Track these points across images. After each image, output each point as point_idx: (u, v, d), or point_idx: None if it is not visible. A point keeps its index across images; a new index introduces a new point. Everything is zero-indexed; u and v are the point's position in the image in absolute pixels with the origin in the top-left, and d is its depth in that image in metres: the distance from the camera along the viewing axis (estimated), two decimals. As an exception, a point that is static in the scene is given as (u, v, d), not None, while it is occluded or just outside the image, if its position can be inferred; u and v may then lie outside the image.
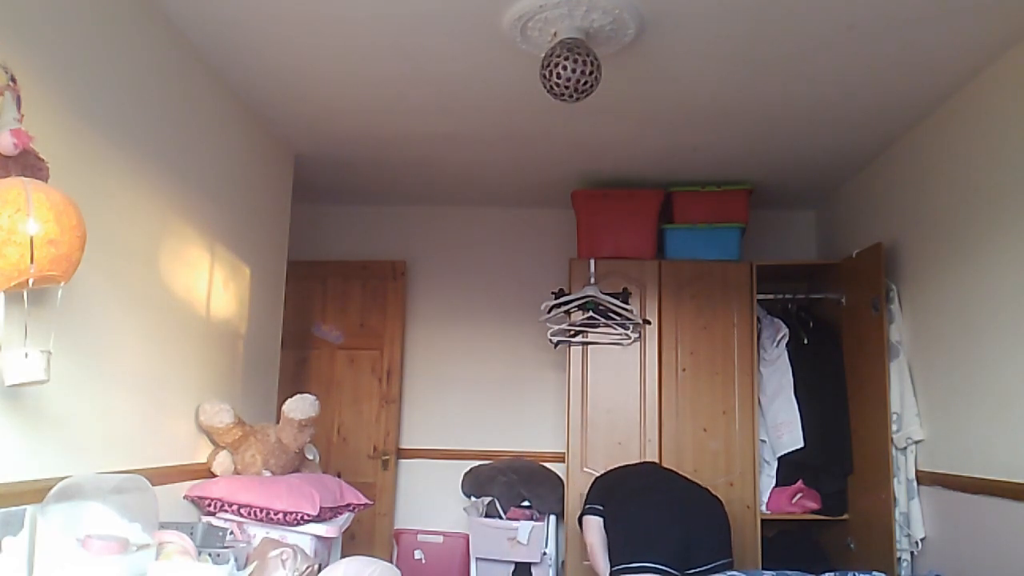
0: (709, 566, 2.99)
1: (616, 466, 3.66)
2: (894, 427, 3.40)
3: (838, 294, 3.98)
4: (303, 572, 2.34)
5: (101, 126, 2.27)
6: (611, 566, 3.10)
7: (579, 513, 3.43)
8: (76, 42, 2.16)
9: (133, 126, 2.45)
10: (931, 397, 3.30)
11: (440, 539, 4.56)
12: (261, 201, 3.58)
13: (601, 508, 3.28)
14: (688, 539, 3.03)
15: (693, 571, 2.99)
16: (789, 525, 4.09)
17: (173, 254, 2.74)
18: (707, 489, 3.40)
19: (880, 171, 3.86)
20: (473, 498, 4.29)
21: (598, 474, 3.61)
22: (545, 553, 4.12)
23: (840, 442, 3.81)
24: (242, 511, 2.77)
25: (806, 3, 2.46)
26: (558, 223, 4.82)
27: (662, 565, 2.96)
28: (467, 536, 4.33)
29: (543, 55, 2.55)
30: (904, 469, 3.38)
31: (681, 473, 3.66)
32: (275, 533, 2.74)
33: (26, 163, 1.80)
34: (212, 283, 3.07)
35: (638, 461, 3.88)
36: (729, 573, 2.73)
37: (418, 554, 4.53)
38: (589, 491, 3.45)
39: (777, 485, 3.97)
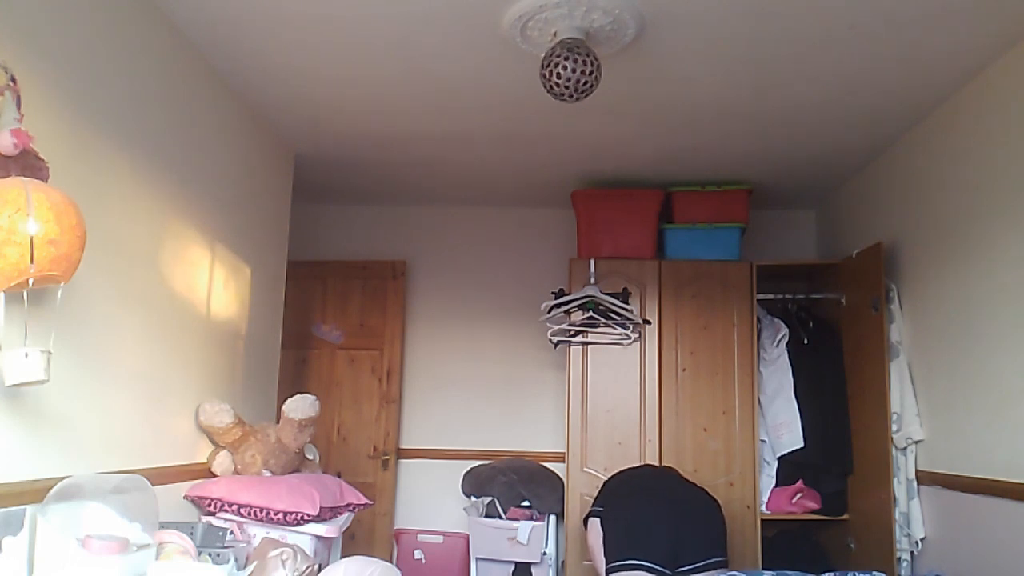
0: (698, 564, 3.02)
1: (622, 468, 3.69)
2: (894, 427, 3.40)
3: (838, 294, 3.98)
4: (303, 572, 2.34)
5: (101, 126, 2.27)
6: (605, 563, 3.13)
7: (584, 515, 3.46)
8: (76, 42, 2.16)
9: (133, 126, 2.45)
10: (931, 397, 3.30)
11: (440, 539, 4.56)
12: (261, 201, 3.58)
13: (601, 510, 3.31)
14: (677, 538, 3.07)
15: (683, 569, 3.02)
16: (789, 525, 4.09)
17: (173, 254, 2.74)
18: (704, 490, 3.42)
19: (880, 171, 3.86)
20: (473, 498, 4.29)
21: (604, 480, 3.64)
22: (545, 553, 4.12)
23: (840, 442, 3.81)
24: (242, 511, 2.77)
25: (806, 3, 2.46)
26: (558, 223, 4.82)
27: (650, 563, 2.99)
28: (467, 536, 4.33)
29: (543, 55, 2.55)
30: (904, 469, 3.38)
31: (681, 474, 3.68)
32: (275, 533, 2.74)
33: (26, 163, 1.80)
34: (212, 283, 3.07)
35: (642, 463, 3.90)
36: (730, 573, 2.75)
37: (418, 554, 4.53)
38: (596, 494, 3.49)
39: (777, 485, 3.97)
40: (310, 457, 3.38)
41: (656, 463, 3.92)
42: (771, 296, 4.17)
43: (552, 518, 4.21)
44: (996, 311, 2.82)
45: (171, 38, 2.70)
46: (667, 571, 3.01)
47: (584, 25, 2.53)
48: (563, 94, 2.53)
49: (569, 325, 4.10)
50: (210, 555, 2.28)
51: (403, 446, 4.79)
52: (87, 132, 2.20)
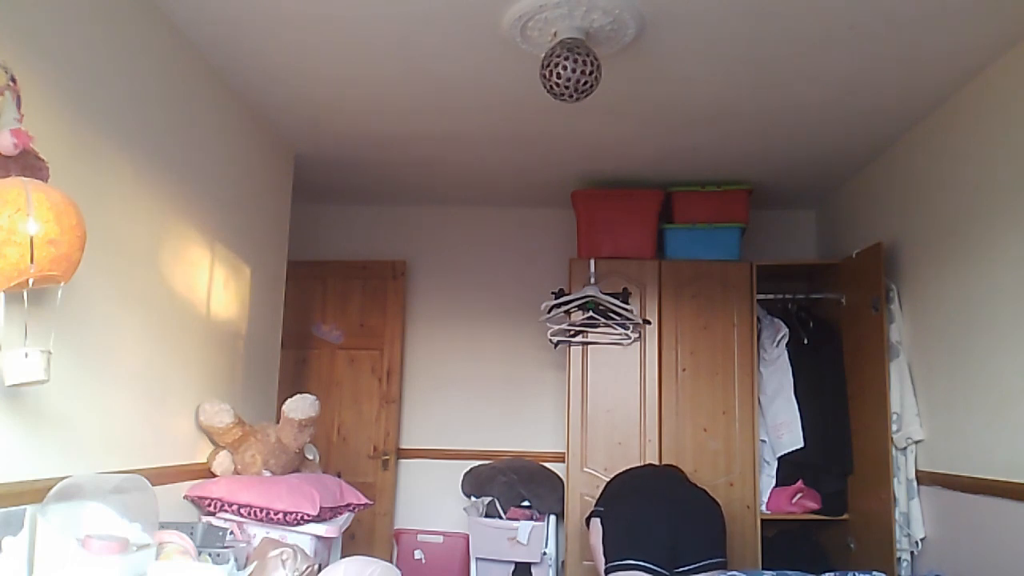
0: (696, 564, 3.02)
1: (625, 468, 3.69)
2: (894, 427, 3.40)
3: (838, 294, 3.98)
4: (303, 572, 2.34)
5: (101, 126, 2.27)
6: (604, 563, 3.14)
7: (586, 515, 3.46)
8: (76, 42, 2.16)
9: (133, 126, 2.45)
10: (931, 397, 3.30)
11: (440, 539, 4.56)
12: (261, 201, 3.58)
13: (602, 510, 3.32)
14: (674, 538, 3.07)
15: (682, 569, 3.03)
16: (789, 525, 4.09)
17: (173, 254, 2.74)
18: (704, 490, 3.42)
19: (880, 171, 3.86)
20: (473, 498, 4.29)
21: (604, 480, 3.65)
22: (545, 553, 4.12)
23: (840, 442, 3.81)
24: (242, 511, 2.77)
25: (806, 3, 2.46)
26: (558, 223, 4.82)
27: (647, 563, 3.00)
28: (467, 536, 4.33)
29: (543, 55, 2.55)
30: (904, 469, 3.38)
31: (683, 473, 3.68)
32: (275, 533, 2.74)
33: (26, 163, 1.80)
34: (212, 283, 3.07)
35: (645, 463, 3.90)
36: (730, 573, 2.75)
37: (418, 554, 4.53)
38: (599, 494, 3.49)
39: (777, 485, 3.97)
40: (310, 457, 3.38)
41: (658, 463, 3.92)
42: (771, 296, 4.17)
43: (552, 518, 4.21)
44: (996, 311, 2.82)
45: (171, 38, 2.70)
46: (665, 571, 3.01)
47: (584, 25, 2.53)
48: (563, 94, 2.53)
49: (569, 325, 4.10)
50: (210, 555, 2.28)
51: (403, 446, 4.79)
52: (87, 132, 2.20)
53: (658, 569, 3.00)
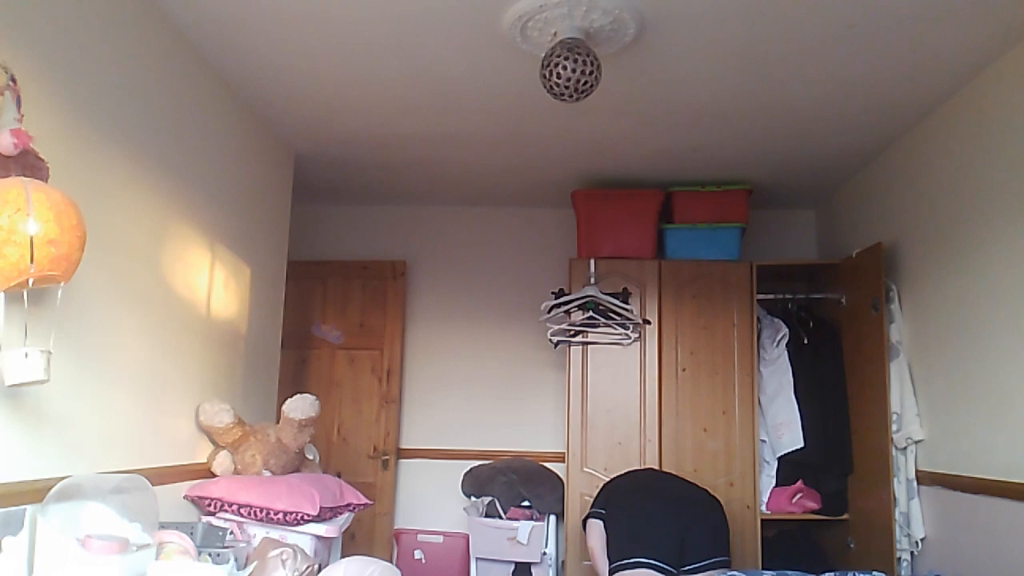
0: (703, 563, 3.02)
1: (621, 472, 3.69)
2: (894, 427, 3.40)
3: (838, 294, 3.98)
4: (303, 572, 2.34)
5: (101, 126, 2.27)
6: (609, 563, 3.13)
7: (583, 517, 3.45)
8: (76, 42, 2.16)
9: (133, 126, 2.45)
10: (931, 397, 3.30)
11: (440, 539, 4.56)
12: (261, 201, 3.58)
13: (603, 512, 3.31)
14: (682, 537, 3.06)
15: (688, 568, 3.03)
16: (789, 525, 4.09)
17: (173, 254, 2.74)
18: (706, 490, 3.42)
19: (880, 171, 3.86)
20: (473, 498, 4.29)
21: (604, 480, 3.63)
22: (545, 553, 4.12)
23: (840, 442, 3.81)
24: (242, 511, 2.77)
25: (806, 3, 2.47)
26: (558, 223, 4.82)
27: (656, 561, 2.99)
28: (467, 536, 4.33)
29: (543, 55, 2.55)
30: (904, 469, 3.38)
31: (682, 476, 3.68)
32: (275, 533, 2.74)
33: (26, 163, 1.80)
34: (212, 283, 3.07)
35: (641, 467, 3.90)
36: (730, 573, 2.74)
37: (418, 554, 4.53)
38: (595, 497, 3.48)
39: (777, 485, 3.97)
40: (310, 457, 3.38)
41: (656, 465, 3.93)
42: (771, 296, 4.17)
43: (552, 518, 4.21)
44: (996, 311, 2.82)
45: (171, 38, 2.69)
46: (673, 570, 3.00)
47: (584, 25, 2.53)
48: (563, 94, 2.53)
49: (569, 325, 4.10)
50: (210, 555, 2.28)
51: (403, 446, 4.79)
52: (87, 132, 2.20)
53: (667, 567, 2.99)
